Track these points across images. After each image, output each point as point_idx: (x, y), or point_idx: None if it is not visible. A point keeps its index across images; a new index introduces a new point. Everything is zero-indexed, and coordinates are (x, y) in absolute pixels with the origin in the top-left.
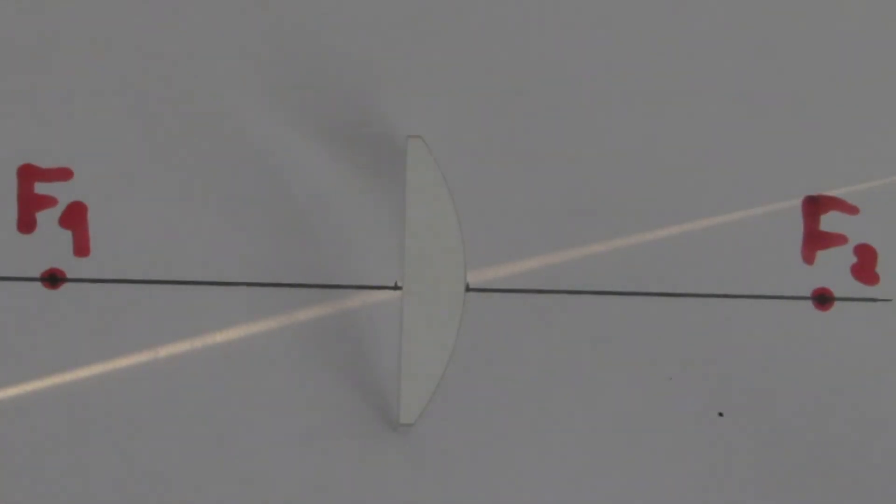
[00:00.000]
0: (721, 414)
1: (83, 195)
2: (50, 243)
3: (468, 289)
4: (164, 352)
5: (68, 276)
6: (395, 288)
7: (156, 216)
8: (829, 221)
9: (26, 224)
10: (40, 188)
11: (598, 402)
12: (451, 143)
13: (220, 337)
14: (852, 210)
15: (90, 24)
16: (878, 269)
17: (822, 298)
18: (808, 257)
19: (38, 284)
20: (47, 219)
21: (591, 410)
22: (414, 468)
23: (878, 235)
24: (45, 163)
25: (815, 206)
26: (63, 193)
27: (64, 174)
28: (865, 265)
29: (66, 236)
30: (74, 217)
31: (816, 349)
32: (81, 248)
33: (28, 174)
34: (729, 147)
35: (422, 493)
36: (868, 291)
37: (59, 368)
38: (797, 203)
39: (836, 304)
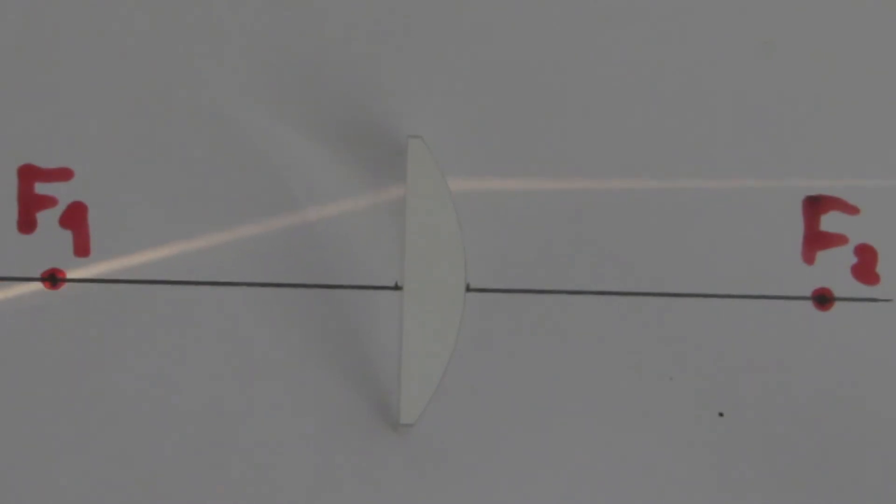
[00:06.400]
0: (721, 414)
1: (83, 195)
2: (50, 243)
3: (468, 289)
4: (164, 352)
5: (68, 276)
6: (396, 288)
7: (156, 216)
8: (830, 221)
9: (26, 224)
10: (40, 188)
11: (598, 402)
12: (451, 143)
13: (220, 337)
14: (853, 210)
15: (90, 25)
16: (879, 270)
17: (822, 298)
18: (808, 257)
19: (38, 284)
20: (47, 219)
21: (591, 410)
22: (414, 468)
23: (878, 235)
24: (45, 163)
25: (815, 206)
26: (63, 193)
27: (64, 174)
28: (866, 265)
29: (66, 236)
30: (74, 217)
31: (816, 349)
32: (81, 248)
33: (28, 174)
34: (729, 147)
35: (422, 493)
36: (868, 292)
37: (59, 368)
38: (797, 203)
39: (836, 304)
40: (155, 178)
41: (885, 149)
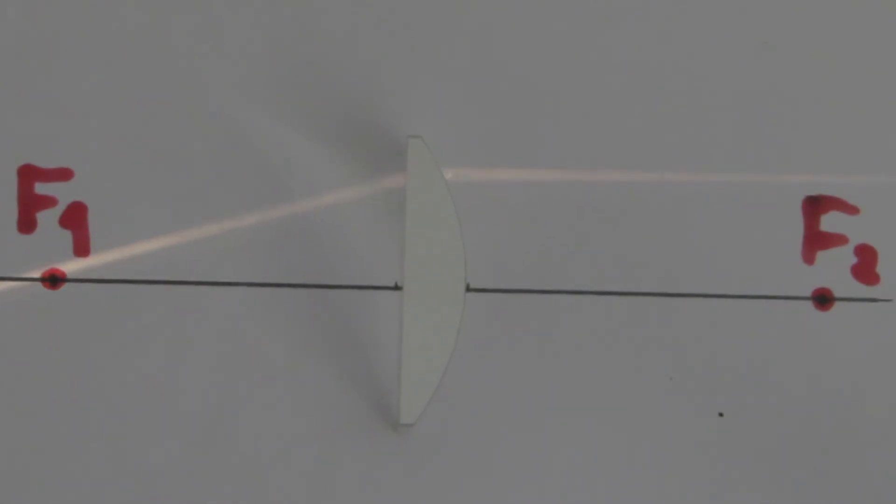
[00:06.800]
0: (721, 414)
1: (83, 195)
2: (50, 243)
3: (468, 289)
4: (164, 352)
5: (68, 276)
6: (396, 288)
7: (156, 216)
8: (830, 221)
9: (26, 224)
10: (40, 188)
11: (598, 402)
12: (451, 143)
13: (220, 337)
14: (853, 210)
15: (90, 24)
16: (879, 270)
17: (822, 298)
18: (808, 257)
19: (38, 284)
20: (47, 219)
21: (591, 410)
22: (414, 468)
23: (878, 235)
24: (45, 163)
25: (815, 206)
26: (63, 193)
27: (64, 174)
28: (866, 265)
29: (66, 236)
30: (74, 217)
31: (816, 349)
32: (81, 248)
33: (28, 174)
34: (729, 147)
35: (422, 493)
36: (868, 291)
37: (59, 368)
38: (797, 203)
39: (836, 304)
40: (155, 178)
41: (885, 148)
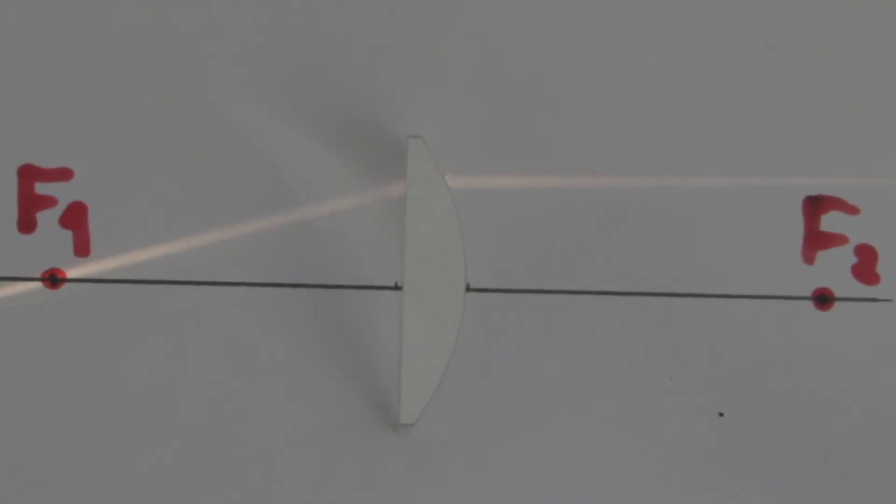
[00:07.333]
0: (721, 414)
1: (83, 195)
2: (50, 243)
3: (468, 289)
4: (164, 352)
5: (68, 276)
6: (396, 288)
7: (156, 216)
8: (830, 221)
9: (26, 224)
10: (40, 188)
11: (598, 402)
12: (451, 143)
13: (220, 337)
14: (853, 210)
15: (90, 25)
16: (879, 269)
17: (822, 298)
18: (808, 257)
19: (38, 284)
20: (47, 219)
21: (591, 410)
22: (414, 468)
23: (878, 235)
24: (45, 163)
25: (815, 206)
26: (63, 193)
27: (64, 174)
28: (866, 265)
29: (66, 236)
30: (74, 217)
31: (816, 349)
32: (81, 248)
33: (28, 174)
34: (729, 147)
35: (422, 493)
36: (868, 291)
37: (59, 368)
38: (797, 203)
39: (836, 304)
40: (155, 177)
41: (885, 149)
